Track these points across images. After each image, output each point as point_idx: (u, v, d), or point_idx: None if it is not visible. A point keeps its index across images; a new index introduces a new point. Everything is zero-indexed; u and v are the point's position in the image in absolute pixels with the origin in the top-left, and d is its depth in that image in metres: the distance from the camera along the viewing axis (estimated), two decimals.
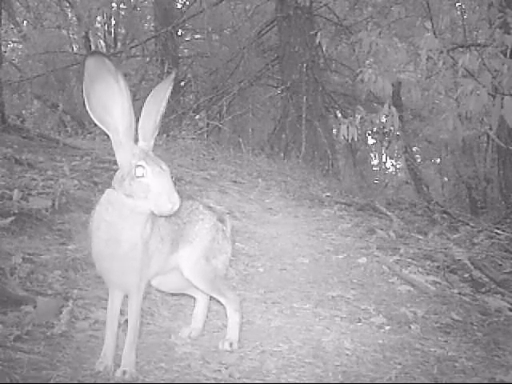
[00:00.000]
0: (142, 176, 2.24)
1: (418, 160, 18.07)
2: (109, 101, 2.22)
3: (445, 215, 8.56)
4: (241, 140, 11.04)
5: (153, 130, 2.37)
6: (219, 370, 2.58)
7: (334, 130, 13.81)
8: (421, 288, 4.19)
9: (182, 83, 16.05)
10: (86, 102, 2.21)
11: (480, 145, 15.80)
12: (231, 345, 2.82)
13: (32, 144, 6.98)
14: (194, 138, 10.03)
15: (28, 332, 2.62)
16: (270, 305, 3.56)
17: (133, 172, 2.25)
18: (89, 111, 2.22)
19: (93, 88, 2.22)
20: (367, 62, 10.42)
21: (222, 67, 13.62)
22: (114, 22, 17.16)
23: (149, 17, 17.55)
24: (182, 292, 3.05)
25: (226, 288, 2.91)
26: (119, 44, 16.97)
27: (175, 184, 2.31)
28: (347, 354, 2.90)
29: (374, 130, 13.07)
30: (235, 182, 7.75)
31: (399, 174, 20.61)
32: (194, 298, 3.08)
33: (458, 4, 12.43)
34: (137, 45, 15.71)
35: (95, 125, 2.29)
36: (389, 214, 7.33)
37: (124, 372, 2.39)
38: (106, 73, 2.20)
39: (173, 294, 3.30)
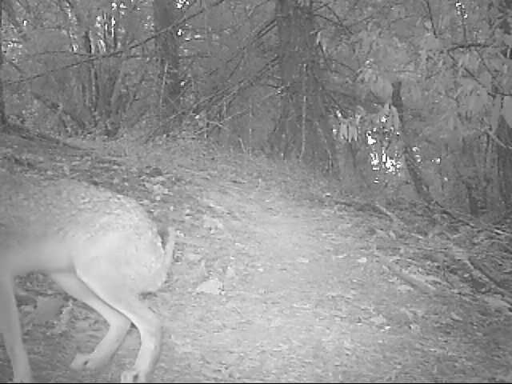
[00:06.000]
0: None
1: (418, 160, 18.05)
2: None
3: (445, 215, 8.56)
4: (241, 140, 11.06)
5: None
6: (219, 370, 2.58)
7: (334, 130, 13.81)
8: (421, 288, 4.18)
9: (182, 83, 16.07)
10: None
11: (480, 145, 15.78)
12: (136, 378, 2.30)
13: (32, 144, 6.99)
14: (194, 138, 10.05)
15: (28, 332, 2.61)
16: (270, 305, 3.56)
17: None
18: None
19: None
20: (367, 62, 10.40)
21: (222, 67, 13.64)
22: (114, 21, 17.14)
23: (149, 17, 17.54)
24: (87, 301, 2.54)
25: (142, 306, 2.41)
26: (119, 44, 16.96)
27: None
28: (347, 354, 2.90)
29: (374, 130, 13.07)
30: (235, 182, 7.76)
31: (399, 174, 20.60)
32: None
33: (458, 4, 12.40)
34: (137, 45, 15.71)
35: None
36: (389, 214, 7.33)
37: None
38: None
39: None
